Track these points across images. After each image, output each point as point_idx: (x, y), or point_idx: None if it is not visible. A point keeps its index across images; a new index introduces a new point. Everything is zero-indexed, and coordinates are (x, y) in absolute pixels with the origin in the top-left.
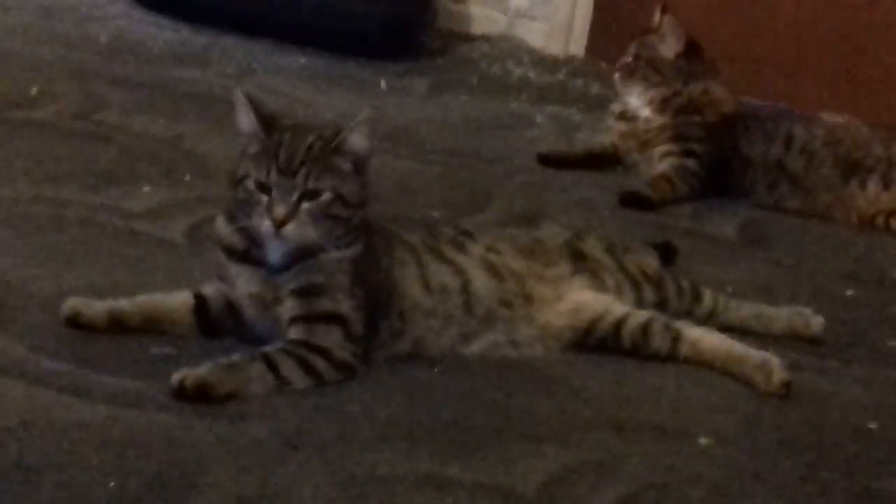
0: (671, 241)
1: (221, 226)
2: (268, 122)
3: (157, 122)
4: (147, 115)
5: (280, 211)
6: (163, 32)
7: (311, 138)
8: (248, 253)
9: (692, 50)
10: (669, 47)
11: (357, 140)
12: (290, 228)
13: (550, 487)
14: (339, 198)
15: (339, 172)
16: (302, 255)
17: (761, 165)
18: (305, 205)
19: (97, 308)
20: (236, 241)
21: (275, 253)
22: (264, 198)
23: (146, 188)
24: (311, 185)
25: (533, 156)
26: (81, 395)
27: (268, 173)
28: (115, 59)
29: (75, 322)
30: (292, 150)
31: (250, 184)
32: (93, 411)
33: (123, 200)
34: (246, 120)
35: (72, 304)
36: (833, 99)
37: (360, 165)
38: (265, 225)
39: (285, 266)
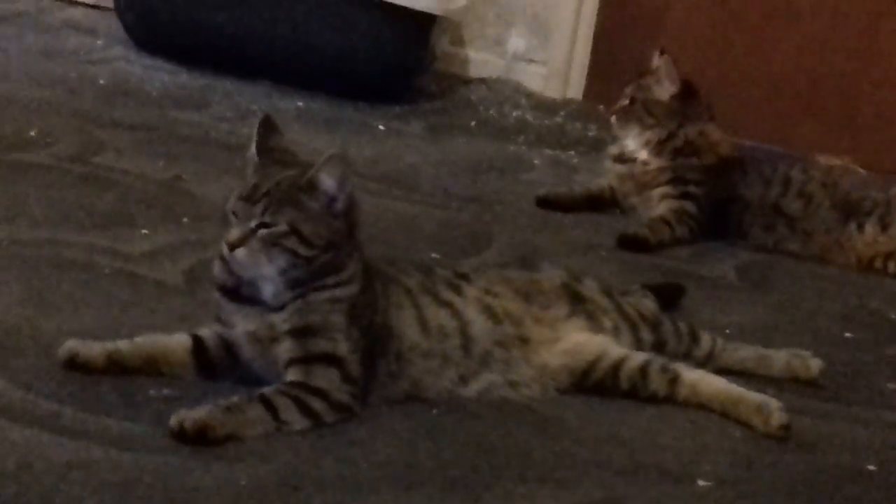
0: (678, 283)
1: (216, 264)
2: (266, 151)
3: (155, 165)
4: (145, 158)
5: (233, 234)
6: (161, 75)
7: (285, 174)
8: (239, 290)
9: (688, 92)
10: (665, 89)
11: (324, 179)
12: (240, 253)
13: None
14: (295, 233)
15: (304, 210)
16: (283, 290)
17: (759, 208)
18: (261, 233)
19: (95, 349)
20: (225, 276)
21: (248, 287)
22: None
23: (144, 231)
24: (267, 217)
25: (531, 198)
26: (79, 438)
27: (234, 199)
28: (113, 101)
29: (73, 364)
30: (260, 181)
31: (225, 205)
32: (91, 453)
33: (121, 243)
34: (252, 146)
35: (70, 345)
36: (830, 142)
37: (332, 206)
38: (223, 245)
39: (279, 304)
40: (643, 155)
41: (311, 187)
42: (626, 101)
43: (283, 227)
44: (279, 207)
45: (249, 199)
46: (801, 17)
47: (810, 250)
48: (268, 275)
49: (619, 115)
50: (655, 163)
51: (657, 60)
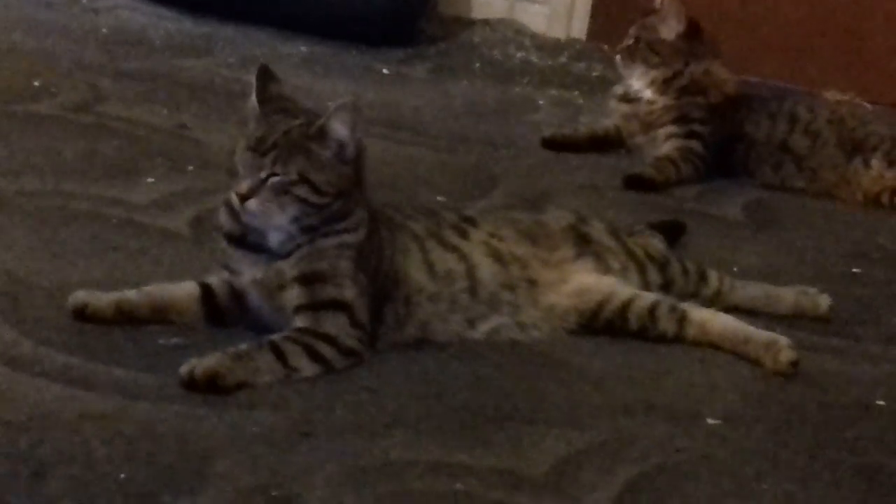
0: (678, 219)
1: (222, 212)
2: (267, 100)
3: (159, 114)
4: (149, 107)
5: (243, 185)
6: (164, 23)
7: (292, 123)
8: (246, 238)
9: (693, 31)
10: (670, 28)
11: (336, 127)
12: (252, 203)
13: (560, 470)
14: (306, 182)
15: (314, 159)
16: (294, 238)
17: (765, 146)
18: (270, 182)
19: (104, 300)
20: (231, 225)
21: (255, 234)
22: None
23: (150, 179)
24: (278, 167)
25: (536, 140)
26: (90, 388)
27: (242, 149)
28: (116, 50)
29: (83, 314)
30: (269, 131)
31: (231, 158)
32: (102, 404)
33: (127, 192)
34: (252, 96)
35: (79, 296)
36: (837, 78)
37: (342, 153)
38: (232, 196)
39: (286, 251)
40: (648, 94)
41: (322, 135)
42: (631, 41)
43: (293, 175)
44: (289, 157)
45: (258, 149)
46: None
47: (817, 187)
48: (280, 224)
49: (624, 54)
50: (661, 102)
51: (661, 0)
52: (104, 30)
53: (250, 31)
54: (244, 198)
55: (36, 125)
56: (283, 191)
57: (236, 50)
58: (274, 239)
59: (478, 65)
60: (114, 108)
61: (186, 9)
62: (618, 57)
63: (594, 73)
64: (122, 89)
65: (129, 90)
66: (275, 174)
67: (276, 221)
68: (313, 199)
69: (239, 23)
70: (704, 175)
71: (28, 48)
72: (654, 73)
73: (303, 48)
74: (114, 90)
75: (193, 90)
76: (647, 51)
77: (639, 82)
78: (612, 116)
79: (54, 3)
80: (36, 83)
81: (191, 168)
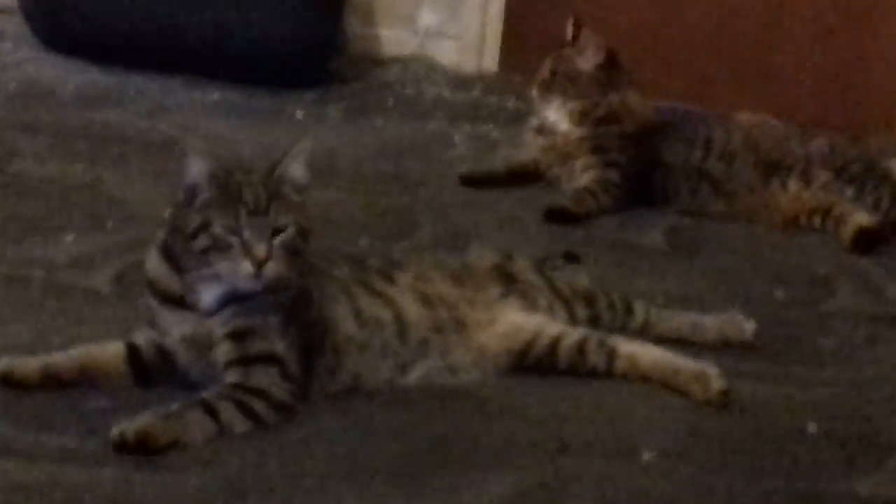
0: (571, 249)
1: (156, 270)
2: (221, 167)
3: (73, 168)
4: (63, 162)
5: (261, 250)
6: (72, 76)
7: (264, 176)
8: (185, 297)
9: (611, 61)
10: (587, 60)
11: (297, 170)
12: (269, 267)
13: None
14: (300, 230)
15: (294, 205)
16: (234, 298)
17: (682, 172)
18: (277, 240)
19: (30, 365)
20: (175, 286)
21: (210, 296)
22: (235, 241)
23: (69, 237)
24: (279, 221)
25: (454, 176)
26: (20, 456)
27: (236, 217)
28: (26, 105)
29: (9, 381)
30: (255, 189)
31: (216, 230)
32: (33, 472)
33: (47, 251)
34: (196, 169)
35: (4, 362)
36: (746, 99)
37: (303, 196)
38: (243, 267)
39: (218, 309)
40: (565, 126)
41: (286, 180)
42: (547, 74)
43: (291, 228)
44: (282, 209)
45: (257, 210)
46: None
47: (735, 211)
48: (289, 277)
49: (542, 87)
50: (577, 133)
51: (572, 30)
52: (12, 84)
53: (160, 80)
54: (262, 262)
55: None
56: (288, 244)
57: (148, 99)
58: (209, 297)
59: (391, 103)
60: (27, 165)
61: (94, 60)
62: (534, 90)
63: (508, 105)
64: (34, 145)
65: (42, 146)
66: (277, 227)
67: (285, 277)
68: (302, 245)
69: (147, 71)
70: (623, 204)
71: None
72: (571, 105)
73: (215, 95)
74: (26, 147)
75: (107, 142)
76: (566, 83)
77: (556, 114)
78: (528, 149)
79: None
80: None
81: (110, 223)
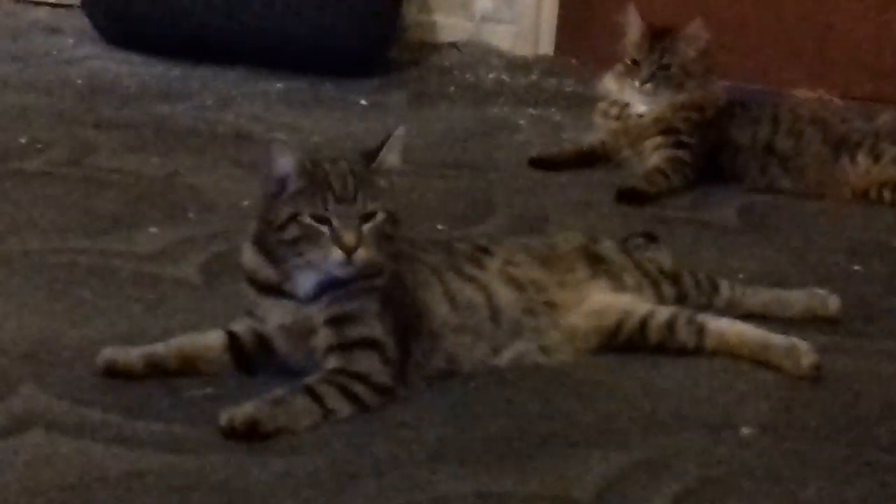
0: (651, 231)
1: (252, 261)
2: (308, 157)
3: (149, 161)
4: (138, 155)
5: (350, 238)
6: (136, 69)
7: (352, 163)
8: (281, 286)
9: (708, 49)
10: (695, 49)
11: (393, 158)
12: (360, 253)
13: (607, 491)
14: (390, 216)
15: (384, 191)
16: (330, 285)
17: (750, 149)
18: (366, 227)
19: (133, 355)
20: (272, 276)
21: (307, 284)
22: (325, 229)
23: (153, 229)
24: (368, 208)
25: (522, 160)
26: (132, 445)
27: (325, 205)
28: (94, 101)
29: (113, 371)
30: (343, 177)
31: (305, 219)
32: (146, 460)
33: (132, 244)
34: (284, 161)
35: (107, 353)
36: (803, 76)
37: (393, 182)
38: (334, 255)
39: (317, 296)
40: (642, 109)
41: (381, 168)
42: (655, 67)
43: (381, 214)
44: (372, 195)
45: (344, 198)
46: None
47: (805, 187)
48: (380, 263)
49: (659, 81)
50: (651, 115)
51: (632, 12)
52: (79, 81)
53: (223, 72)
54: (352, 249)
55: (29, 182)
56: (377, 231)
57: (213, 92)
58: (306, 285)
59: (452, 88)
60: (103, 159)
61: (156, 54)
62: (648, 85)
63: (567, 89)
64: (107, 140)
65: (115, 140)
66: (366, 214)
67: (376, 262)
68: (392, 231)
69: (210, 64)
70: (694, 183)
71: (6, 104)
72: (682, 98)
73: (279, 85)
74: (100, 141)
75: (178, 135)
76: (682, 74)
77: (652, 104)
78: (596, 132)
79: (25, 57)
80: (22, 140)
81: (191, 214)
